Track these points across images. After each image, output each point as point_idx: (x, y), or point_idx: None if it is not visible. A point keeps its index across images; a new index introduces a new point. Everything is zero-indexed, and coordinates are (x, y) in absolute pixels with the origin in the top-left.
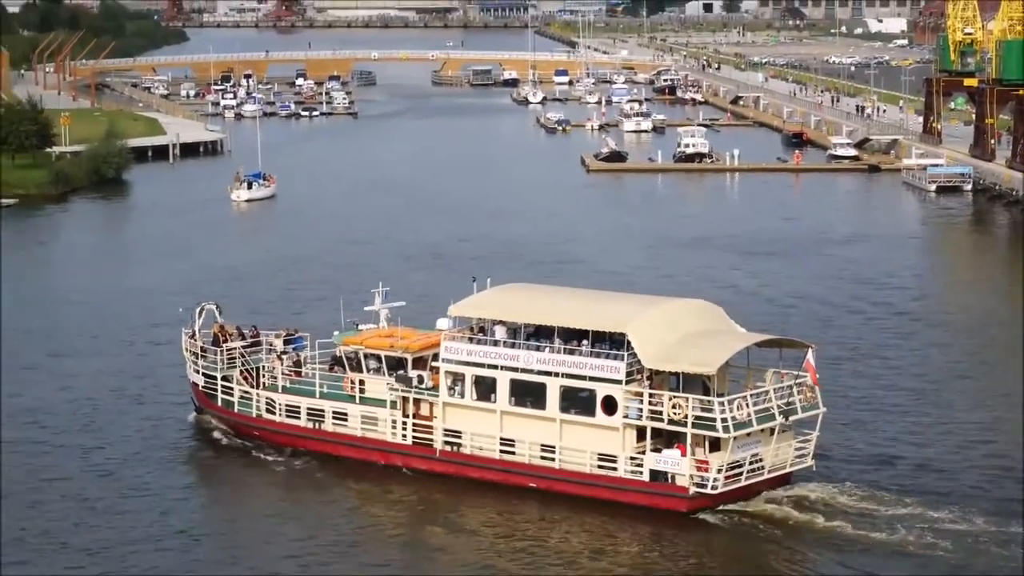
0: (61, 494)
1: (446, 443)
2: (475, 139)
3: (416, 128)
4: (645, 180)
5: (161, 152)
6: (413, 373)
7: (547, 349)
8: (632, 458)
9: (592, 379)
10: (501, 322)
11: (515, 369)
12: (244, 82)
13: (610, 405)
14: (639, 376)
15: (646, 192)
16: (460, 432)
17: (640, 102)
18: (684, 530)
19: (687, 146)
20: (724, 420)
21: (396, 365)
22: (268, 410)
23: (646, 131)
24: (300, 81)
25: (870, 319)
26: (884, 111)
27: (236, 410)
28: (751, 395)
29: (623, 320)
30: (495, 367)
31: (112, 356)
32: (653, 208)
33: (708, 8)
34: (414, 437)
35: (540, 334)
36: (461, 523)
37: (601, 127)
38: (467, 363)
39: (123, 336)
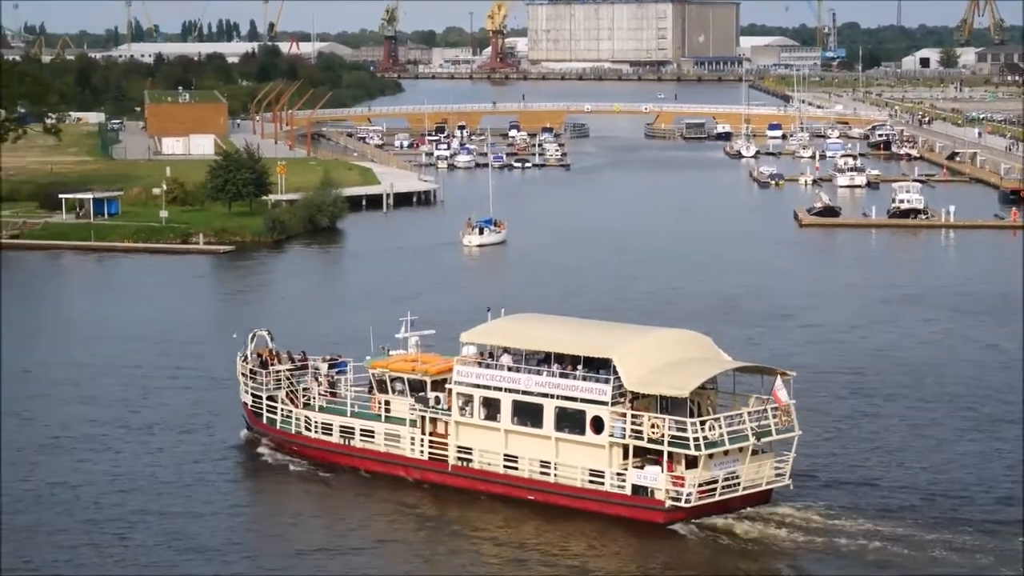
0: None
1: (458, 459)
2: (687, 192)
3: (628, 181)
4: (858, 235)
5: (374, 201)
6: (431, 395)
7: (545, 373)
8: (618, 474)
9: (582, 400)
10: (507, 349)
11: (517, 391)
12: (458, 133)
13: (598, 425)
14: (623, 398)
15: (859, 247)
16: (470, 448)
17: (854, 157)
18: (660, 540)
19: (902, 202)
20: (696, 439)
21: (417, 387)
22: (306, 427)
23: (860, 186)
24: (513, 132)
25: None
26: None
27: (279, 427)
28: (724, 417)
29: (609, 347)
30: (500, 389)
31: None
32: (865, 264)
33: (925, 63)
34: (430, 453)
35: (548, 360)
36: (468, 533)
37: (814, 181)
38: (476, 385)
39: None
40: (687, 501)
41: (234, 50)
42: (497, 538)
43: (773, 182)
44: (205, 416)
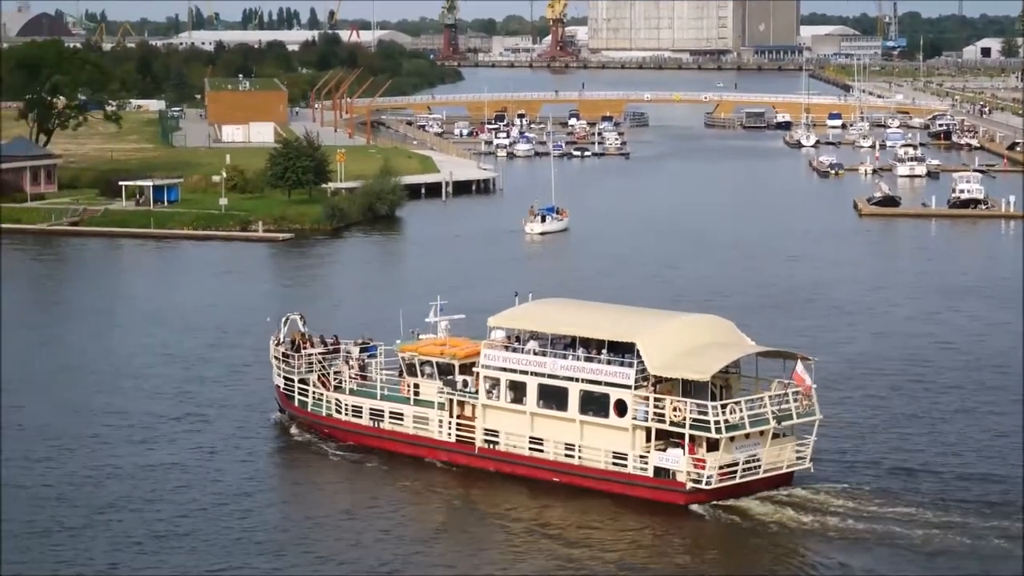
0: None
1: (485, 441)
2: (747, 181)
3: (688, 170)
4: (918, 225)
5: (434, 190)
6: (459, 378)
7: (571, 357)
8: (641, 456)
9: (606, 384)
10: (534, 333)
11: (542, 375)
12: (517, 121)
13: (621, 408)
14: (646, 382)
15: (918, 237)
16: (497, 431)
17: (915, 147)
18: (681, 522)
19: (962, 192)
20: (717, 422)
21: (446, 371)
22: (336, 410)
23: (920, 176)
24: (573, 121)
25: None
26: None
27: (310, 410)
28: (746, 401)
29: (633, 332)
30: (526, 372)
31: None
32: (925, 254)
33: (986, 53)
34: (458, 436)
35: (574, 344)
36: (496, 515)
37: (874, 171)
38: (503, 369)
39: None
40: (708, 483)
41: (294, 38)
42: (522, 520)
43: (833, 171)
44: (256, 402)
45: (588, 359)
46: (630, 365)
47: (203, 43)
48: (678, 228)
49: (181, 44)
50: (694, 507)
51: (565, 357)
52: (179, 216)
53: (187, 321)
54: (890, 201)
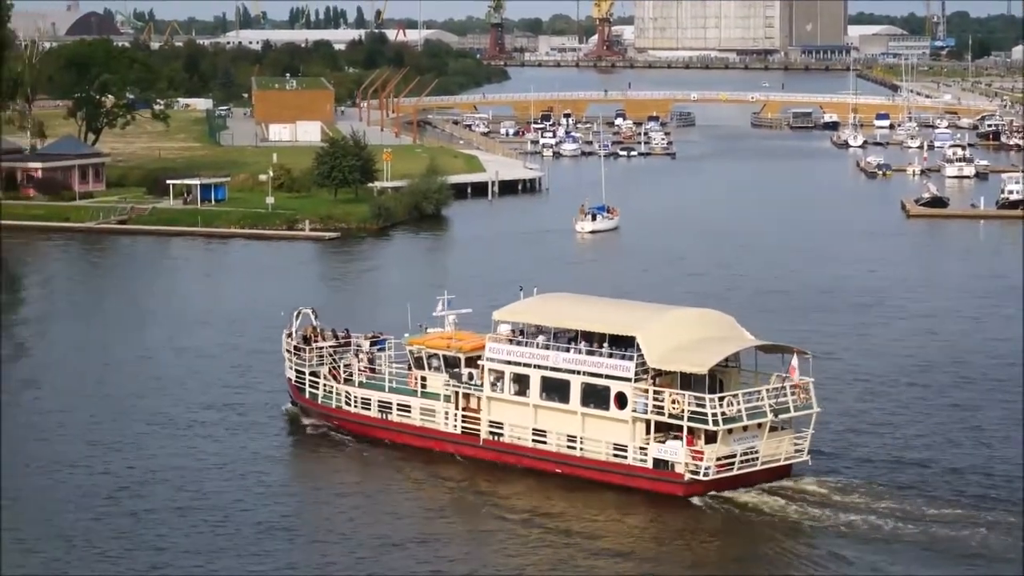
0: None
1: (489, 433)
2: (794, 182)
3: (735, 170)
4: (966, 226)
5: (480, 189)
6: (465, 371)
7: (572, 350)
8: (640, 448)
9: (607, 377)
10: (538, 327)
11: (545, 367)
12: (563, 121)
13: (622, 400)
14: (646, 375)
15: (966, 239)
16: (501, 423)
17: (963, 147)
18: (679, 512)
19: (1011, 192)
20: (715, 415)
21: (452, 363)
22: (346, 402)
23: (968, 177)
24: (619, 121)
25: None
26: None
27: (320, 402)
28: (743, 394)
29: (633, 325)
30: (529, 365)
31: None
32: (973, 255)
33: None
34: (463, 427)
35: (580, 338)
36: (501, 507)
37: (922, 172)
38: (507, 362)
39: None
40: (706, 475)
41: (341, 37)
42: (526, 512)
43: (880, 172)
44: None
45: (590, 352)
46: (630, 358)
47: (250, 42)
48: (725, 228)
49: (228, 43)
50: (692, 498)
51: (568, 350)
52: (226, 215)
53: (232, 320)
54: (938, 202)
